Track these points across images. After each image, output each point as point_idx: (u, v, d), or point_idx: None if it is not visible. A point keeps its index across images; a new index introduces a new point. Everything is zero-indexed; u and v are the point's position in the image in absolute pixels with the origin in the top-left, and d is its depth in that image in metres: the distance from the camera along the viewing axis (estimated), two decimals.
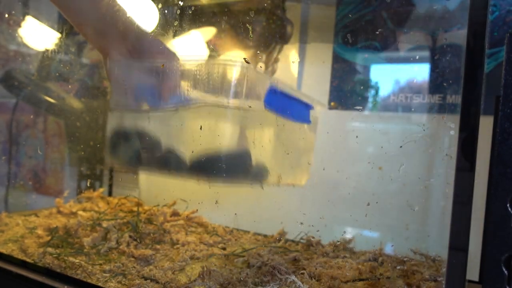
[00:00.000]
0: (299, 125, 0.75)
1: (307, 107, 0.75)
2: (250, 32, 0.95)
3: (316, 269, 0.70)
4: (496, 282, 0.44)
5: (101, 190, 1.15)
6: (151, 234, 0.87)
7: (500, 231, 0.43)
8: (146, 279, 0.68)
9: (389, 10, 0.88)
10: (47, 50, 1.11)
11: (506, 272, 0.43)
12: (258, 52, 1.00)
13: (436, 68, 0.83)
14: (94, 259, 0.76)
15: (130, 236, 0.84)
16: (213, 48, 1.00)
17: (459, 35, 0.79)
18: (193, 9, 0.95)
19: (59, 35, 1.05)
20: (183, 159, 0.61)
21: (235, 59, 0.63)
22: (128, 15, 0.69)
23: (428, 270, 0.72)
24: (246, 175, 0.65)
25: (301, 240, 0.89)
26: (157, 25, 0.95)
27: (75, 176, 1.23)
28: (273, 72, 1.01)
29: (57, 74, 1.13)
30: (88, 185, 1.23)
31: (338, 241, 0.84)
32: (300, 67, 1.00)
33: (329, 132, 0.96)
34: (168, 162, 0.63)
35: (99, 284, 0.67)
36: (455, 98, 0.81)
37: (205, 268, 0.68)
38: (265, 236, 0.91)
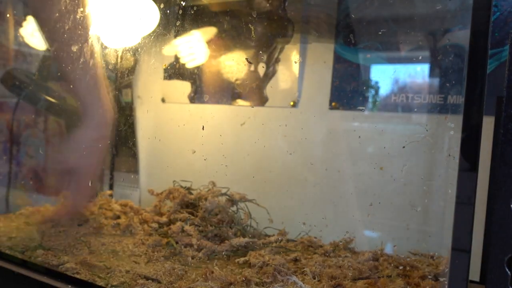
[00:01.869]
0: None
1: None
2: (252, 32, 0.95)
3: (316, 268, 0.70)
4: (499, 283, 0.44)
5: (108, 192, 1.15)
6: None
7: (503, 232, 0.43)
8: (148, 279, 0.68)
9: (391, 10, 0.88)
10: (48, 50, 1.11)
11: (509, 272, 0.44)
12: (260, 52, 1.01)
13: (438, 68, 0.83)
14: None
15: None
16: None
17: (461, 35, 0.79)
18: (194, 9, 0.95)
19: None
20: None
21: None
22: None
23: (428, 267, 0.73)
24: None
25: (303, 240, 0.89)
26: (158, 24, 0.95)
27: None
28: (274, 72, 1.02)
29: (58, 73, 1.13)
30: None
31: (340, 242, 0.84)
32: (301, 67, 1.00)
33: (331, 132, 0.97)
34: None
35: (101, 284, 0.67)
36: (458, 99, 0.81)
37: (207, 268, 0.68)
38: (267, 235, 0.91)
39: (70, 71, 0.89)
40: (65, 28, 0.84)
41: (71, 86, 0.92)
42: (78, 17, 0.84)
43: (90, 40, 0.86)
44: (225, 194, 0.91)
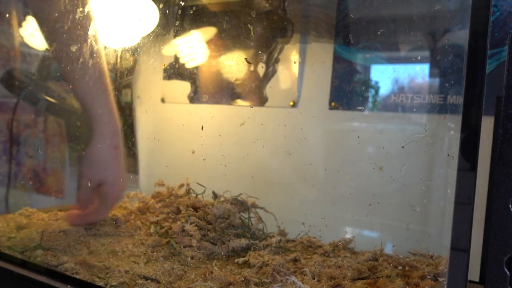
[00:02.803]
0: None
1: None
2: (252, 33, 0.96)
3: (315, 268, 0.70)
4: (498, 283, 0.44)
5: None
6: None
7: (502, 232, 0.43)
8: (147, 279, 0.68)
9: (390, 10, 0.88)
10: (48, 50, 1.11)
11: (508, 272, 0.43)
12: (259, 52, 1.01)
13: (437, 68, 0.83)
14: None
15: None
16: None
17: (461, 35, 0.79)
18: (194, 9, 0.95)
19: None
20: None
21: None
22: None
23: (427, 267, 0.73)
24: None
25: (302, 240, 0.89)
26: (158, 24, 0.95)
27: (76, 176, 1.23)
28: (274, 72, 1.02)
29: (58, 73, 1.13)
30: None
31: (340, 242, 0.84)
32: (300, 67, 1.00)
33: (330, 132, 0.97)
34: None
35: (101, 284, 0.67)
36: (457, 99, 0.81)
37: (206, 268, 0.68)
38: (268, 236, 0.91)
39: (71, 71, 0.88)
40: (67, 28, 0.83)
41: (76, 90, 0.90)
42: (79, 16, 0.83)
43: (97, 41, 0.85)
44: (236, 198, 0.91)
